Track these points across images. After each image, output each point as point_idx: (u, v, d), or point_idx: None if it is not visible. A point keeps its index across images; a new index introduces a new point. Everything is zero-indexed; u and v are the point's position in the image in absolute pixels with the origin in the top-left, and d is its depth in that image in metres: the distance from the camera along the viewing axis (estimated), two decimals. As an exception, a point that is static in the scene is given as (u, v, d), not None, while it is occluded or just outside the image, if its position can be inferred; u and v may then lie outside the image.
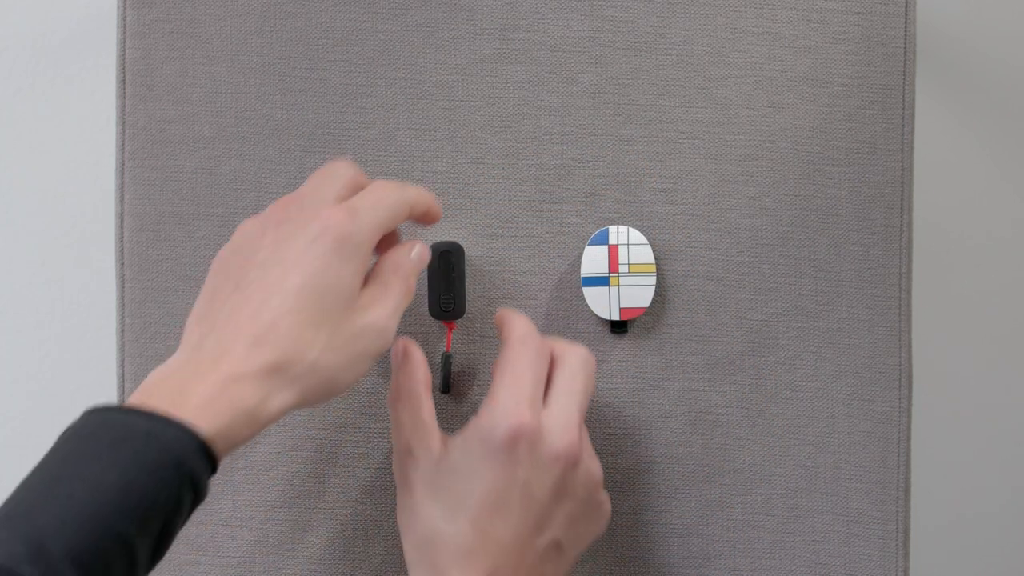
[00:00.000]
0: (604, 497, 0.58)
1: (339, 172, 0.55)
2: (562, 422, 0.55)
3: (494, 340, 0.66)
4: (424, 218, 0.57)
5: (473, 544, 0.53)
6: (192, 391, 0.47)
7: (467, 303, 0.66)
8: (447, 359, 0.64)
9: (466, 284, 0.66)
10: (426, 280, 0.65)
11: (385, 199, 0.54)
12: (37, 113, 0.93)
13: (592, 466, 0.57)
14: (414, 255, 0.55)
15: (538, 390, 0.55)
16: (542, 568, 0.55)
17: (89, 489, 0.43)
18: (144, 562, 0.45)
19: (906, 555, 0.67)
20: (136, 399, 0.47)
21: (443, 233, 0.66)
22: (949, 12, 0.94)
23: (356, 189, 0.55)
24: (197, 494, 0.46)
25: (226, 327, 0.49)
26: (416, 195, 0.56)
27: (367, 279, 0.54)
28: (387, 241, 0.57)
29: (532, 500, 0.54)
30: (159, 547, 0.46)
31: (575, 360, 0.57)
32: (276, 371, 0.48)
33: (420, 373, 0.57)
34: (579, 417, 0.56)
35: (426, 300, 0.65)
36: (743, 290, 0.67)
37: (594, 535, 0.58)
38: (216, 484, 0.66)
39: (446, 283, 0.64)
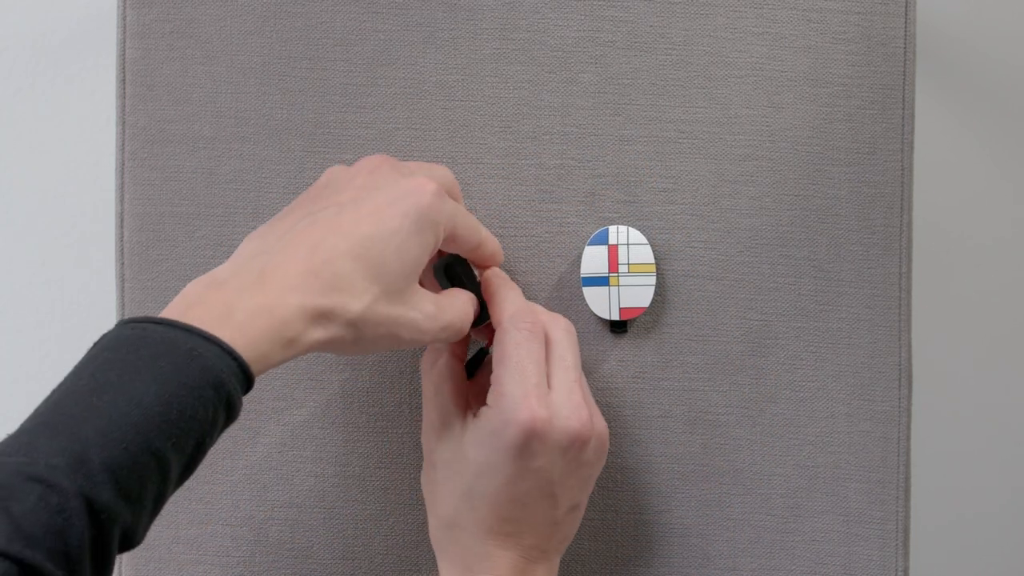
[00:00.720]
0: (607, 437, 0.59)
1: (442, 170, 0.58)
2: (570, 403, 0.55)
3: (494, 340, 0.66)
4: (484, 262, 0.59)
5: (497, 528, 0.55)
6: (236, 310, 0.46)
7: (467, 303, 0.66)
8: (483, 353, 0.63)
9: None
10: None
11: (470, 215, 0.57)
12: (37, 113, 0.93)
13: (600, 427, 0.57)
14: (474, 305, 0.58)
15: (541, 375, 0.55)
16: (565, 530, 0.57)
17: (131, 403, 0.43)
18: (175, 478, 0.45)
19: (906, 555, 0.67)
20: (176, 310, 0.47)
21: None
22: (949, 12, 0.94)
23: (450, 193, 0.57)
24: (231, 414, 0.46)
25: (283, 252, 0.49)
26: (488, 237, 0.58)
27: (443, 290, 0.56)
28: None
29: (550, 483, 0.55)
30: (191, 464, 0.45)
31: (562, 334, 0.57)
32: (318, 309, 0.48)
33: (454, 348, 0.58)
34: (580, 390, 0.56)
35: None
36: (743, 290, 0.67)
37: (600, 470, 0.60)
38: (216, 484, 0.66)
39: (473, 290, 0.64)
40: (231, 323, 0.46)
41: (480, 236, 0.57)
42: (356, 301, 0.49)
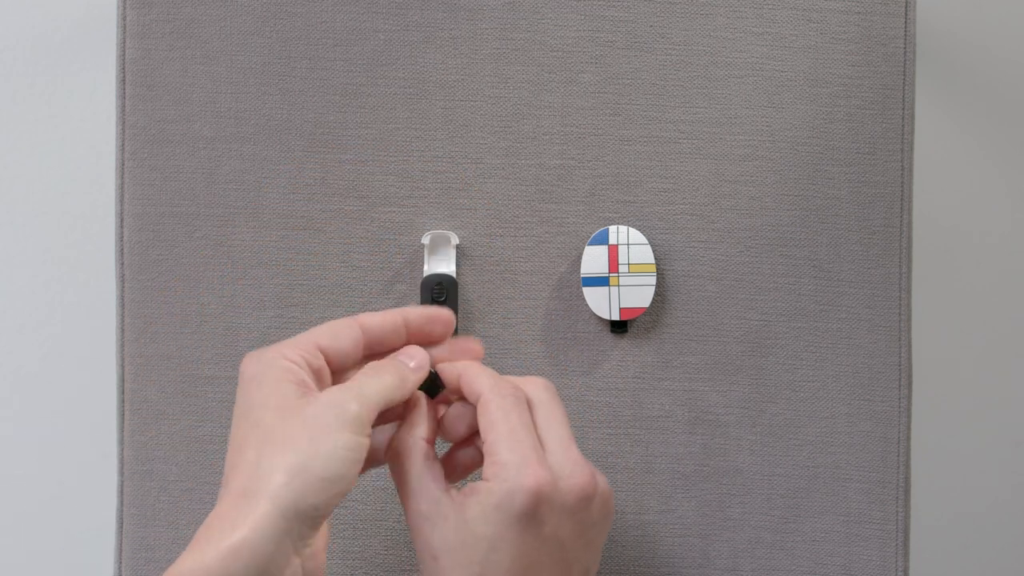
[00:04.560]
0: (612, 497, 0.57)
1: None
2: (570, 460, 0.53)
3: (494, 341, 0.66)
4: (412, 335, 0.56)
5: None
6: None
7: (467, 303, 0.66)
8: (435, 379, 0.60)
9: (460, 293, 0.66)
10: None
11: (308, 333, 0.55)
12: (37, 113, 0.93)
13: (603, 484, 0.56)
14: (412, 362, 0.55)
15: (534, 438, 0.53)
16: None
17: None
18: None
19: (906, 555, 0.67)
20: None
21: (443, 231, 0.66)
22: (949, 12, 0.94)
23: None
24: None
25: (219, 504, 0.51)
26: (371, 315, 0.56)
27: None
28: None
29: (562, 548, 0.53)
30: None
31: (542, 392, 0.56)
32: (245, 495, 0.49)
33: (421, 429, 0.55)
34: (575, 446, 0.55)
35: None
36: (743, 290, 0.67)
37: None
38: (217, 486, 0.66)
39: None
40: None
41: (400, 312, 0.55)
42: (287, 464, 0.49)
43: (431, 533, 0.53)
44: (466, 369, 0.56)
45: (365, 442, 0.51)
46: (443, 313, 0.56)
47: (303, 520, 0.48)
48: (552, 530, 0.52)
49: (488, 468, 0.52)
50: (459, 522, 0.52)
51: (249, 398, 0.52)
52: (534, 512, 0.51)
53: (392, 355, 0.55)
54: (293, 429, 0.50)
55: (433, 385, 0.56)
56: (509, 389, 0.54)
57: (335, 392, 0.52)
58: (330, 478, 0.49)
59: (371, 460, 0.56)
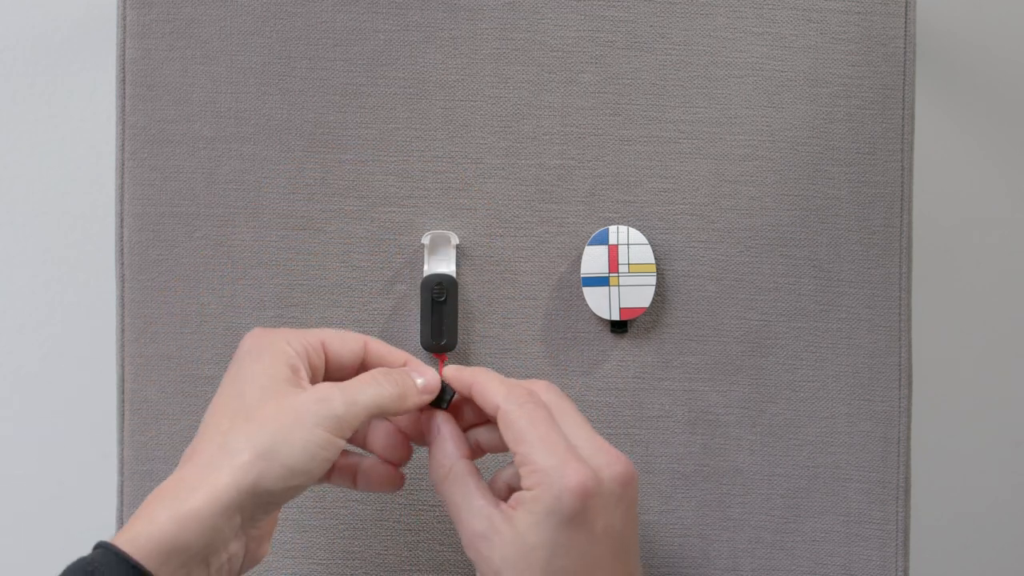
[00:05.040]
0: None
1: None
2: (601, 451, 0.53)
3: (494, 341, 0.66)
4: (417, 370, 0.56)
5: None
6: (134, 528, 0.49)
7: (468, 303, 0.66)
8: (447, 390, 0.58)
9: (460, 293, 0.66)
10: (419, 311, 0.65)
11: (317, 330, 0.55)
12: (37, 113, 0.93)
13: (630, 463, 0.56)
14: (420, 380, 0.55)
15: (564, 438, 0.53)
16: None
17: None
18: None
19: (906, 555, 0.67)
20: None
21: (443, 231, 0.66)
22: (949, 12, 0.94)
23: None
24: None
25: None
26: (378, 344, 0.56)
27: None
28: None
29: (619, 539, 0.53)
30: None
31: (552, 395, 0.56)
32: (209, 464, 0.49)
33: (453, 447, 0.54)
34: (598, 434, 0.55)
35: (418, 332, 0.66)
36: (743, 290, 0.67)
37: None
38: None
39: (438, 315, 0.65)
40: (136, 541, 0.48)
41: (402, 354, 0.55)
42: (238, 445, 0.49)
43: (490, 551, 0.52)
44: (476, 379, 0.55)
45: (340, 444, 0.51)
46: (434, 384, 0.56)
47: (258, 503, 0.49)
48: (605, 524, 0.52)
49: (528, 477, 0.52)
50: (514, 535, 0.52)
51: (241, 368, 0.53)
52: (584, 510, 0.51)
53: (405, 367, 0.55)
54: (272, 411, 0.50)
55: (441, 398, 0.55)
56: (525, 395, 0.54)
57: (325, 388, 0.52)
58: (294, 469, 0.49)
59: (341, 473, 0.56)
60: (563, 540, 0.51)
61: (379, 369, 0.54)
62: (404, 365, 0.55)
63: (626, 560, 0.53)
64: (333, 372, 0.55)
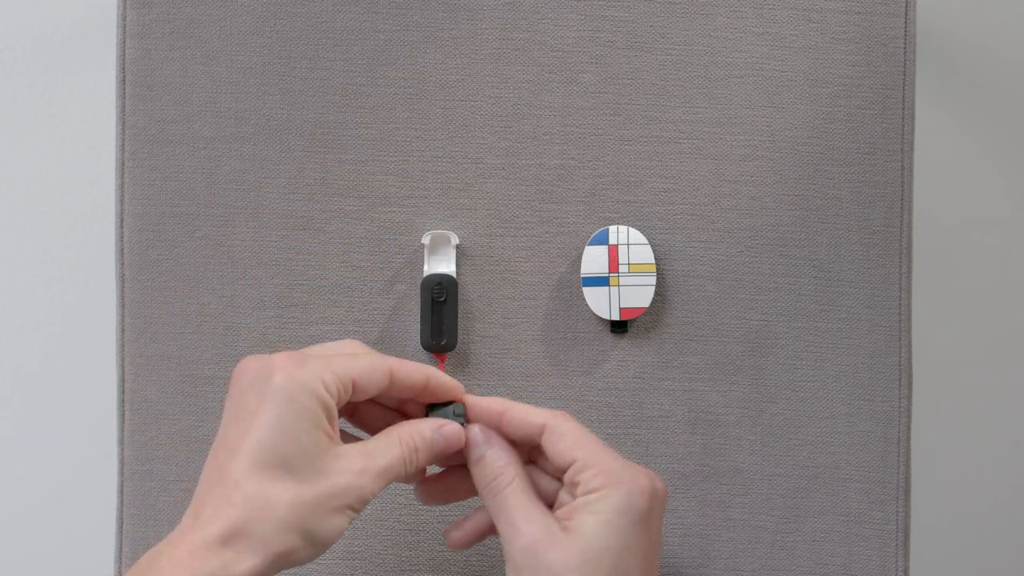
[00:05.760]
0: None
1: (339, 344, 0.55)
2: (635, 464, 0.54)
3: (494, 341, 0.66)
4: (424, 395, 0.55)
5: None
6: (158, 566, 0.47)
7: (468, 303, 0.66)
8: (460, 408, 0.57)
9: (460, 293, 0.66)
10: (419, 311, 0.65)
11: (350, 359, 0.52)
12: (37, 113, 0.93)
13: None
14: (435, 432, 0.54)
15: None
16: None
17: None
18: None
19: (906, 555, 0.67)
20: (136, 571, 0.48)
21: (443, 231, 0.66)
22: (949, 12, 0.94)
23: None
24: None
25: (200, 490, 0.50)
26: (400, 365, 0.54)
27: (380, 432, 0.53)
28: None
29: (660, 544, 0.54)
30: None
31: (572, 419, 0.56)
32: (238, 534, 0.48)
33: (507, 455, 0.54)
34: None
35: (418, 332, 0.66)
36: (743, 290, 0.67)
37: None
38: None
39: (438, 315, 0.65)
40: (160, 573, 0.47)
41: (377, 370, 0.53)
42: (275, 506, 0.48)
43: (550, 556, 0.51)
44: (506, 406, 0.55)
45: (351, 518, 0.51)
46: (456, 390, 0.55)
47: (279, 568, 0.49)
48: (657, 528, 0.53)
49: (592, 480, 0.52)
50: (578, 539, 0.52)
51: (276, 410, 0.50)
52: (648, 512, 0.52)
53: (436, 426, 0.54)
54: (309, 496, 0.49)
55: (456, 413, 0.55)
56: (562, 414, 0.55)
57: (359, 463, 0.51)
58: (323, 546, 0.50)
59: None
60: (631, 541, 0.52)
61: (406, 432, 0.53)
62: (426, 383, 0.54)
63: (659, 566, 0.54)
64: (357, 397, 0.54)
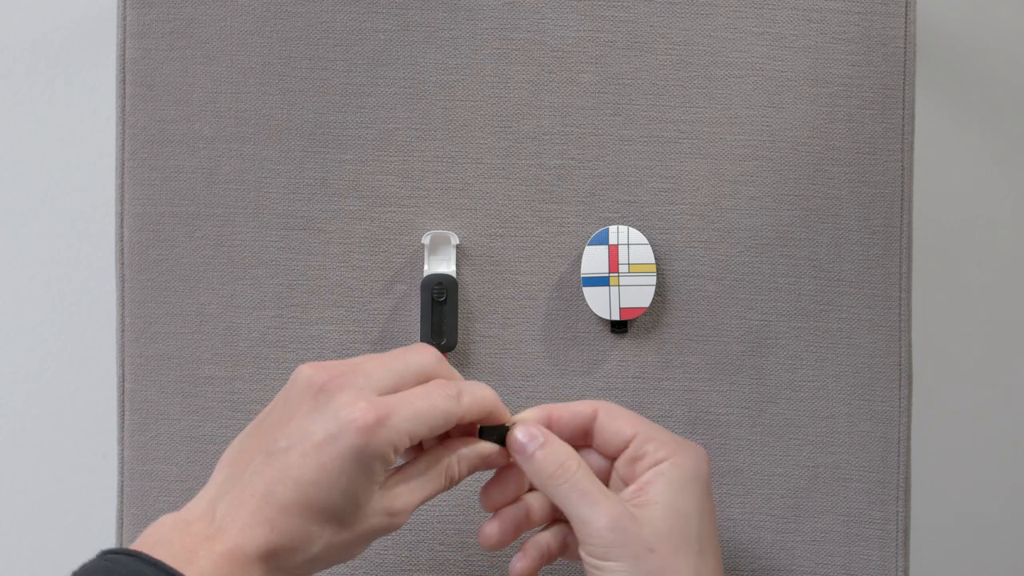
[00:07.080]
0: None
1: (415, 359, 0.53)
2: None
3: (494, 341, 0.66)
4: (486, 417, 0.55)
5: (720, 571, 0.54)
6: (196, 558, 0.48)
7: (468, 303, 0.66)
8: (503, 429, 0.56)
9: (460, 293, 0.66)
10: (419, 311, 0.66)
11: (427, 411, 0.51)
12: (37, 113, 0.93)
13: None
14: (482, 461, 0.54)
15: None
16: None
17: None
18: None
19: (906, 555, 0.67)
20: (145, 543, 0.49)
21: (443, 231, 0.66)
22: (949, 12, 0.94)
23: (421, 380, 0.53)
24: None
25: (241, 495, 0.50)
26: (470, 405, 0.53)
27: (414, 452, 0.54)
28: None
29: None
30: None
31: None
32: (275, 556, 0.49)
33: (566, 445, 0.54)
34: None
35: (419, 332, 0.66)
36: (743, 290, 0.67)
37: None
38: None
39: (438, 315, 0.65)
40: (193, 568, 0.47)
41: (451, 421, 0.52)
42: (313, 544, 0.50)
43: (639, 529, 0.52)
44: (551, 409, 0.56)
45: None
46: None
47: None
48: (711, 495, 0.55)
49: (659, 450, 0.54)
50: (659, 507, 0.53)
51: (344, 468, 0.49)
52: (709, 478, 0.55)
53: (484, 455, 0.55)
54: (346, 531, 0.50)
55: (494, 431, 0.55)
56: (606, 401, 0.57)
57: (398, 502, 0.52)
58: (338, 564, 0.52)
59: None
60: (705, 503, 0.54)
61: (454, 463, 0.54)
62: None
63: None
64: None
